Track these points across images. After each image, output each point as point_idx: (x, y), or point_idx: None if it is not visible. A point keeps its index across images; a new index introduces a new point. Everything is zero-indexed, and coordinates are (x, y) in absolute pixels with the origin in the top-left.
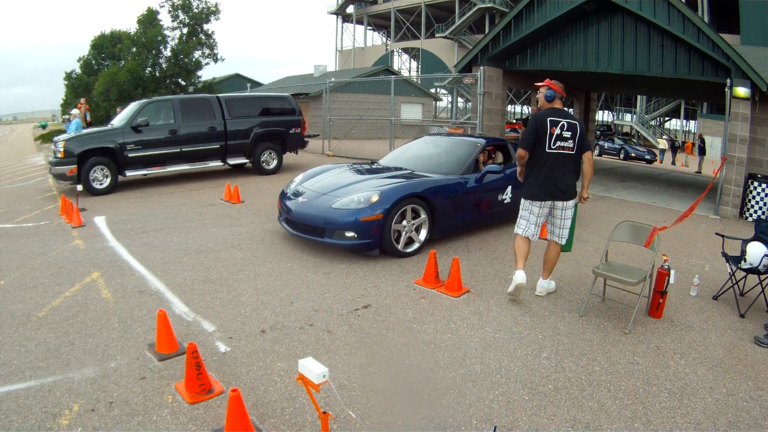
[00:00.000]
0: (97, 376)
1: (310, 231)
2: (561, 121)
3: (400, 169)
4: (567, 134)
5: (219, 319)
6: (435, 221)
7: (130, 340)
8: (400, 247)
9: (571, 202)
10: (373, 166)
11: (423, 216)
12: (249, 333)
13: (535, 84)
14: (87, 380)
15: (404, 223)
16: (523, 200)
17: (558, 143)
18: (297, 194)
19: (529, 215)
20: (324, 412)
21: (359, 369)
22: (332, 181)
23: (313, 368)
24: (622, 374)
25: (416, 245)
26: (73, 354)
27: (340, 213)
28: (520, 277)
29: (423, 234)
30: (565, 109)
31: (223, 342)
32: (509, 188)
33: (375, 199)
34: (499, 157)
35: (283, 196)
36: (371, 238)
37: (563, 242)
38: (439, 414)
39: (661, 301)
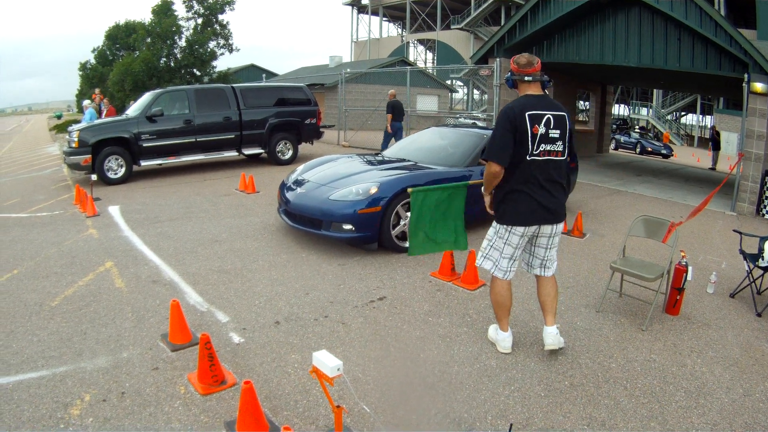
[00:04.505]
0: (109, 366)
1: (308, 223)
2: (545, 115)
3: (404, 160)
4: (554, 133)
5: (233, 309)
6: None
7: (143, 330)
8: (399, 241)
9: (560, 226)
10: (377, 158)
11: None
12: (263, 324)
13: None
14: (99, 370)
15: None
16: (497, 226)
17: (543, 146)
18: (296, 185)
19: (504, 246)
20: (338, 406)
21: (374, 362)
22: (333, 172)
23: (327, 361)
24: (638, 372)
25: None
26: (86, 344)
27: (337, 205)
28: (505, 344)
29: None
30: (547, 94)
31: (236, 333)
32: None
33: (374, 190)
34: None
35: (283, 186)
36: (369, 231)
37: (548, 273)
38: (453, 409)
39: (678, 298)
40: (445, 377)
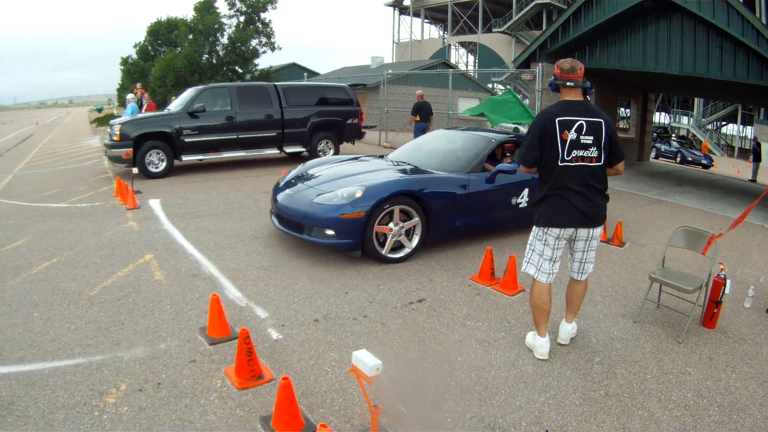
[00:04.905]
0: (146, 356)
1: (293, 226)
2: (578, 121)
3: (404, 164)
4: (587, 139)
5: (272, 306)
6: (430, 224)
7: (182, 323)
8: (385, 251)
9: (598, 230)
10: (377, 160)
11: (415, 218)
12: (302, 321)
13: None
14: (136, 360)
15: (391, 225)
16: (535, 229)
17: (575, 152)
18: (286, 186)
19: (544, 248)
20: (375, 405)
21: (412, 363)
22: (326, 174)
23: (366, 361)
24: (673, 384)
25: (406, 250)
26: (123, 334)
27: (320, 208)
28: (542, 351)
29: (416, 239)
30: (586, 100)
31: (275, 329)
32: (526, 191)
33: (358, 195)
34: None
35: (275, 187)
36: (352, 239)
37: (583, 278)
38: (489, 413)
39: (715, 311)
40: (482, 381)
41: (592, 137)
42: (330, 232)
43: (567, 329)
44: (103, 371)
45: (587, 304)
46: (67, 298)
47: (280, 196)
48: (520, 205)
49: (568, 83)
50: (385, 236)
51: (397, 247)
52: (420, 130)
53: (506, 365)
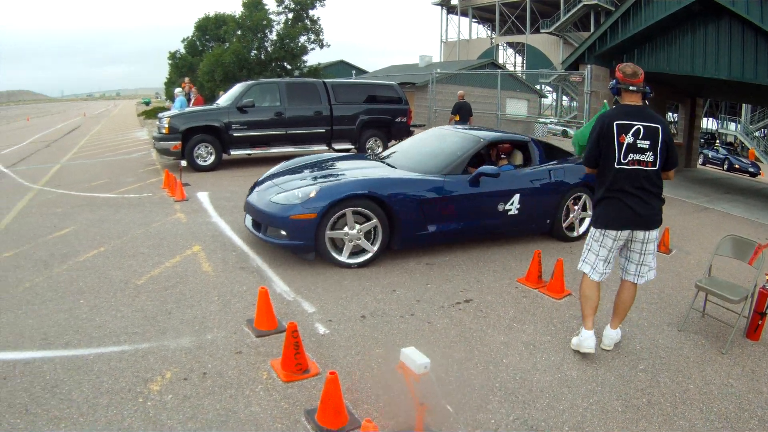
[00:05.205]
0: (192, 346)
1: (255, 225)
2: (635, 125)
3: (381, 164)
4: (644, 143)
5: (320, 300)
6: (396, 228)
7: (229, 314)
8: (343, 256)
9: (655, 233)
10: (356, 160)
11: (374, 220)
12: (349, 317)
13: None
14: (182, 349)
15: (346, 229)
16: (593, 230)
17: (631, 155)
18: (258, 184)
19: (600, 248)
20: (421, 404)
21: (457, 363)
22: (300, 173)
23: (415, 358)
24: (715, 395)
25: (368, 255)
26: (170, 323)
27: (275, 207)
28: (588, 343)
29: (378, 243)
30: (644, 105)
31: (322, 324)
32: (516, 197)
33: (312, 195)
34: (518, 159)
35: (254, 184)
36: (303, 240)
37: (640, 281)
38: (532, 416)
39: (760, 323)
40: (526, 384)
41: (648, 142)
42: (283, 232)
43: (611, 335)
44: (149, 359)
45: (632, 310)
46: (114, 286)
47: (252, 194)
48: (510, 212)
49: (630, 87)
50: (343, 239)
51: (359, 251)
52: None
53: (551, 369)
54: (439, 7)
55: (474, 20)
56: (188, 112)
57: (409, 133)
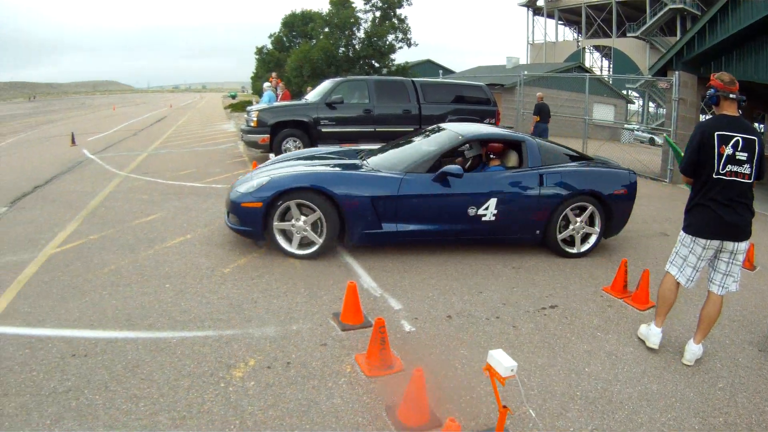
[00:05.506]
0: (277, 336)
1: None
2: (735, 137)
3: (352, 159)
4: (742, 155)
5: (406, 298)
6: (346, 224)
7: (315, 307)
8: (292, 247)
9: (744, 245)
10: (343, 157)
11: (317, 212)
12: (435, 316)
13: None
14: (267, 338)
15: (293, 221)
16: (683, 235)
17: (729, 167)
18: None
19: (689, 254)
20: (504, 407)
21: (540, 369)
22: (283, 164)
23: (502, 360)
24: None
25: (315, 247)
26: (255, 312)
27: (234, 195)
28: (654, 339)
29: (323, 236)
30: (741, 115)
31: (408, 321)
32: (492, 202)
33: (263, 184)
34: (511, 160)
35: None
36: (250, 227)
37: (723, 292)
38: (610, 427)
39: None
40: (606, 395)
41: (746, 154)
42: (236, 218)
43: (693, 350)
44: (233, 346)
45: (714, 326)
46: (200, 272)
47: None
48: (484, 218)
49: (730, 95)
50: (292, 230)
51: (308, 242)
52: (541, 130)
53: (632, 381)
54: (526, 9)
55: (560, 22)
56: (277, 107)
57: None
